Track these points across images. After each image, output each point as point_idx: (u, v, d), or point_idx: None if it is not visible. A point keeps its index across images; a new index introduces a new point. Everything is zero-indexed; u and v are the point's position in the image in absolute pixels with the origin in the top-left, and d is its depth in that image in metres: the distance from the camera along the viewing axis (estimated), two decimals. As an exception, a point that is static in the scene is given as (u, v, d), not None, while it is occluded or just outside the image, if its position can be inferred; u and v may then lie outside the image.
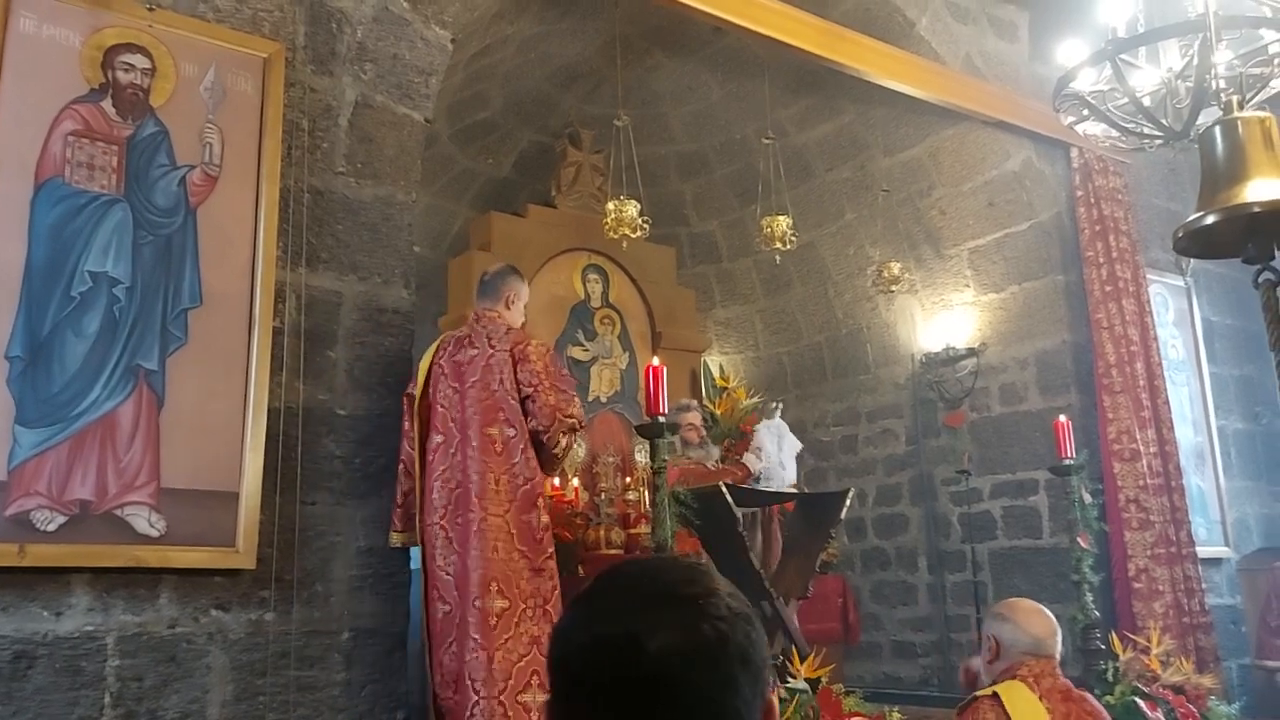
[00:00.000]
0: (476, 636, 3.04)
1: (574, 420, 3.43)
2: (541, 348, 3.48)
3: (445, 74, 3.76)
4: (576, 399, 3.54)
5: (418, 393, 3.39)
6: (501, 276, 3.66)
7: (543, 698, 3.01)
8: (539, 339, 3.60)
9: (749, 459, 5.56)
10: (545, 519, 3.29)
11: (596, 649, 0.85)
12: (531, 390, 3.32)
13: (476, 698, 2.99)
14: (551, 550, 3.30)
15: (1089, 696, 2.53)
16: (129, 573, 2.65)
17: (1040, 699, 2.39)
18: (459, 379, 3.32)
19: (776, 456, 5.52)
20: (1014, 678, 2.45)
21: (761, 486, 5.34)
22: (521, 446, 3.29)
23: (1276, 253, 1.78)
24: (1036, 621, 2.54)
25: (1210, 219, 1.78)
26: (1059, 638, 2.57)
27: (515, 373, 3.31)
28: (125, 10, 2.92)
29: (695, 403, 6.12)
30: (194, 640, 2.72)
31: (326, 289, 3.18)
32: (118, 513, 2.66)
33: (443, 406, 3.32)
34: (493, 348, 3.35)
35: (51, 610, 2.54)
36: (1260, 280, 1.79)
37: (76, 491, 2.62)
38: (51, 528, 2.56)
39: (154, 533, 2.70)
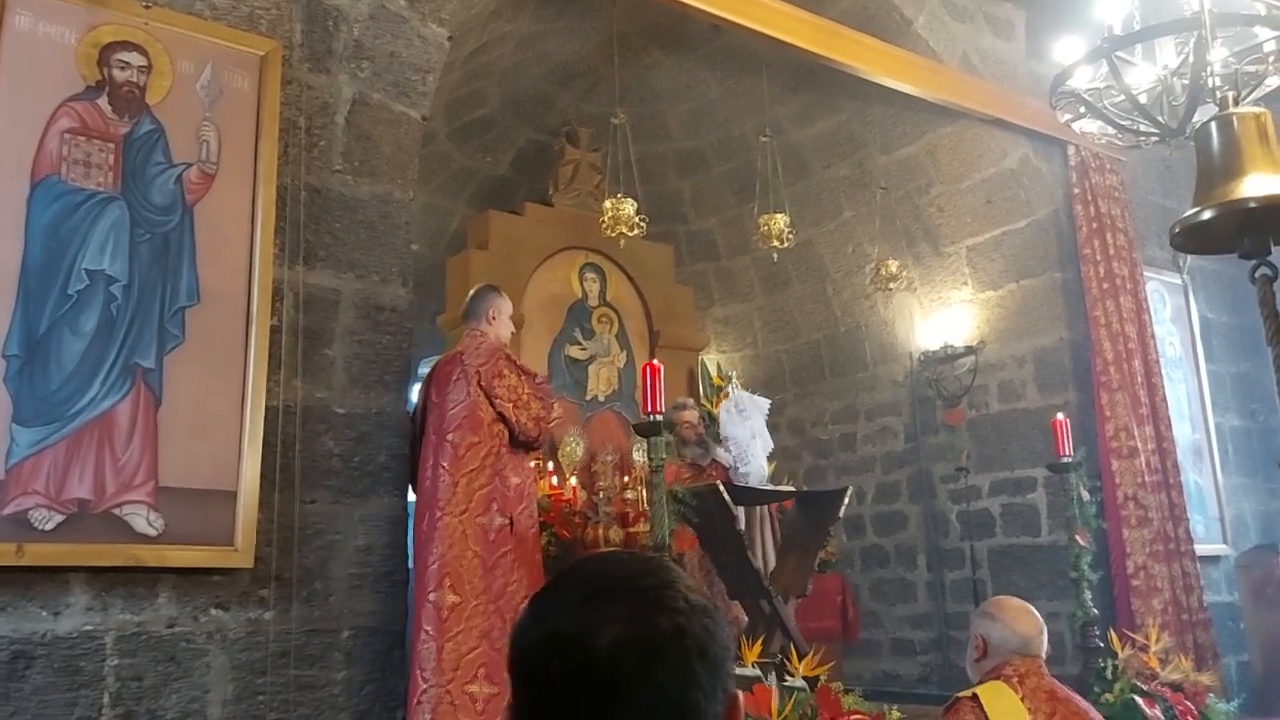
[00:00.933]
0: (428, 628, 3.22)
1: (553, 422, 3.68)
2: (508, 361, 3.74)
3: (442, 72, 3.76)
4: (554, 402, 3.73)
5: (416, 413, 3.68)
6: (480, 297, 3.97)
7: (489, 690, 3.14)
8: (502, 349, 3.82)
9: (721, 455, 5.53)
10: (500, 520, 3.50)
11: (549, 644, 0.85)
12: (514, 402, 3.60)
13: (425, 685, 3.15)
14: (506, 549, 3.49)
15: (1075, 696, 2.52)
16: (127, 572, 2.65)
17: (1023, 699, 2.37)
18: (440, 393, 3.61)
19: (745, 438, 5.43)
20: (999, 677, 2.44)
21: (740, 471, 5.30)
22: (483, 453, 3.54)
23: (1272, 248, 1.79)
24: (1024, 620, 2.53)
25: (1206, 214, 1.78)
26: (1045, 636, 2.56)
27: (485, 387, 3.58)
28: (121, 8, 2.92)
29: (692, 401, 6.12)
30: (193, 639, 2.72)
31: (324, 287, 3.17)
32: (116, 511, 2.66)
33: (431, 416, 3.59)
34: (465, 363, 3.64)
35: (50, 610, 2.54)
36: (1257, 275, 1.80)
37: (74, 490, 2.61)
38: (49, 527, 2.56)
39: (152, 531, 2.69)
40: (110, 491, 2.66)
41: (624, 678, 0.82)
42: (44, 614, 2.53)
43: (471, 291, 4.06)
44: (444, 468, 3.44)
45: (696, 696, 0.84)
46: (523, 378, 3.71)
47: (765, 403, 5.74)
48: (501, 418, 3.58)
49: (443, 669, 3.17)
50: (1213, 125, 1.86)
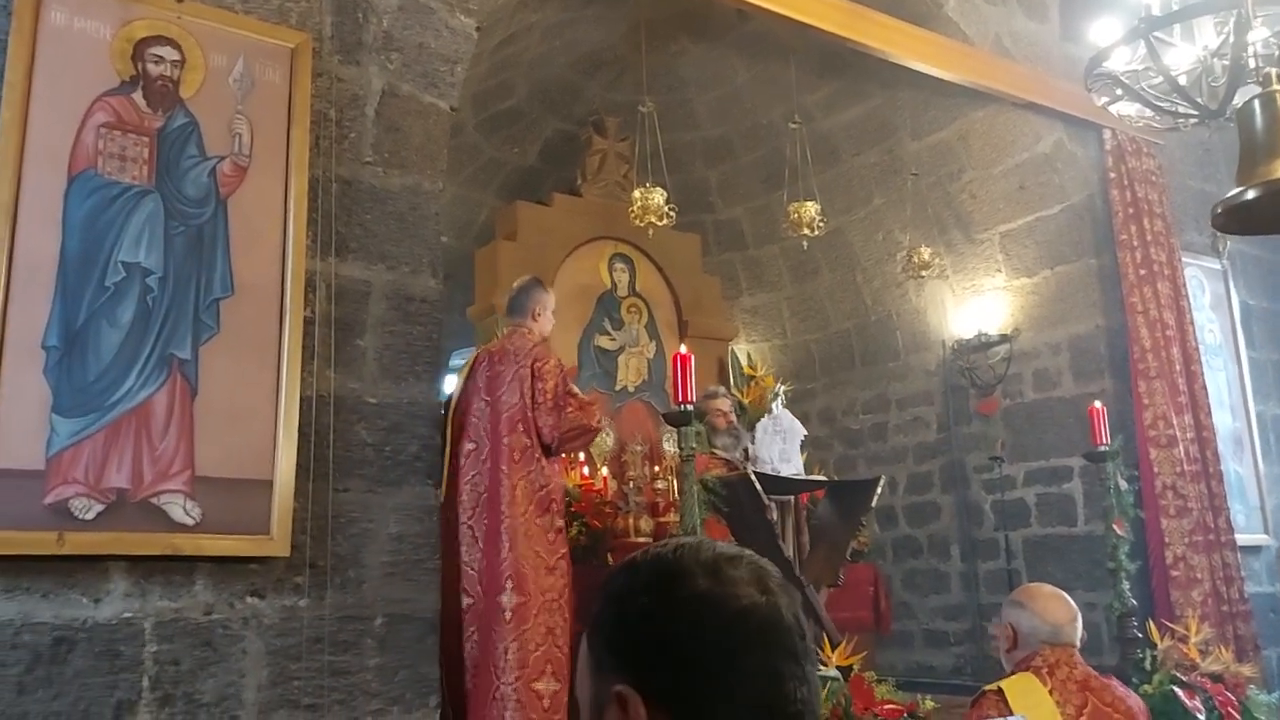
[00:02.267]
0: (497, 628, 3.35)
1: (585, 428, 3.74)
2: (556, 367, 3.78)
3: (470, 63, 3.76)
4: (595, 408, 3.84)
5: (452, 404, 3.77)
6: (526, 292, 4.01)
7: (554, 686, 3.18)
8: (555, 358, 3.87)
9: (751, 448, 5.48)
10: (559, 522, 3.62)
11: (763, 611, 0.88)
12: (540, 406, 3.65)
13: (498, 683, 3.29)
14: (564, 551, 3.61)
15: (1113, 684, 2.44)
16: (165, 560, 2.68)
17: (1052, 691, 2.30)
18: (491, 392, 3.69)
19: (775, 459, 5.33)
20: (1029, 668, 2.38)
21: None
22: (537, 455, 3.64)
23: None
24: (1055, 608, 2.45)
25: (1250, 194, 1.74)
26: (1079, 624, 2.48)
27: (533, 386, 3.66)
28: (154, 2, 2.94)
29: (723, 389, 6.10)
30: (229, 626, 2.75)
31: (355, 278, 3.19)
32: (154, 501, 2.69)
33: (475, 417, 3.70)
34: (518, 363, 3.71)
35: (90, 597, 2.58)
36: (1302, 255, 1.75)
37: (113, 480, 2.65)
38: (89, 516, 2.59)
39: (189, 520, 2.73)
40: (148, 481, 2.69)
41: (808, 647, 0.91)
42: (85, 601, 2.57)
43: (516, 285, 4.08)
44: (503, 470, 3.55)
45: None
46: (559, 387, 3.73)
47: (803, 431, 5.69)
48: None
49: (511, 667, 3.32)
50: (1256, 103, 1.81)
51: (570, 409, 3.71)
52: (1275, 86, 1.83)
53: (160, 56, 2.95)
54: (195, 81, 2.99)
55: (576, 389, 3.86)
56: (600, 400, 3.94)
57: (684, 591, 0.88)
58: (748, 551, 0.94)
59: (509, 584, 3.43)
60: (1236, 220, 1.85)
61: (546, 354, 3.79)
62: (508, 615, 3.39)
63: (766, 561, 0.94)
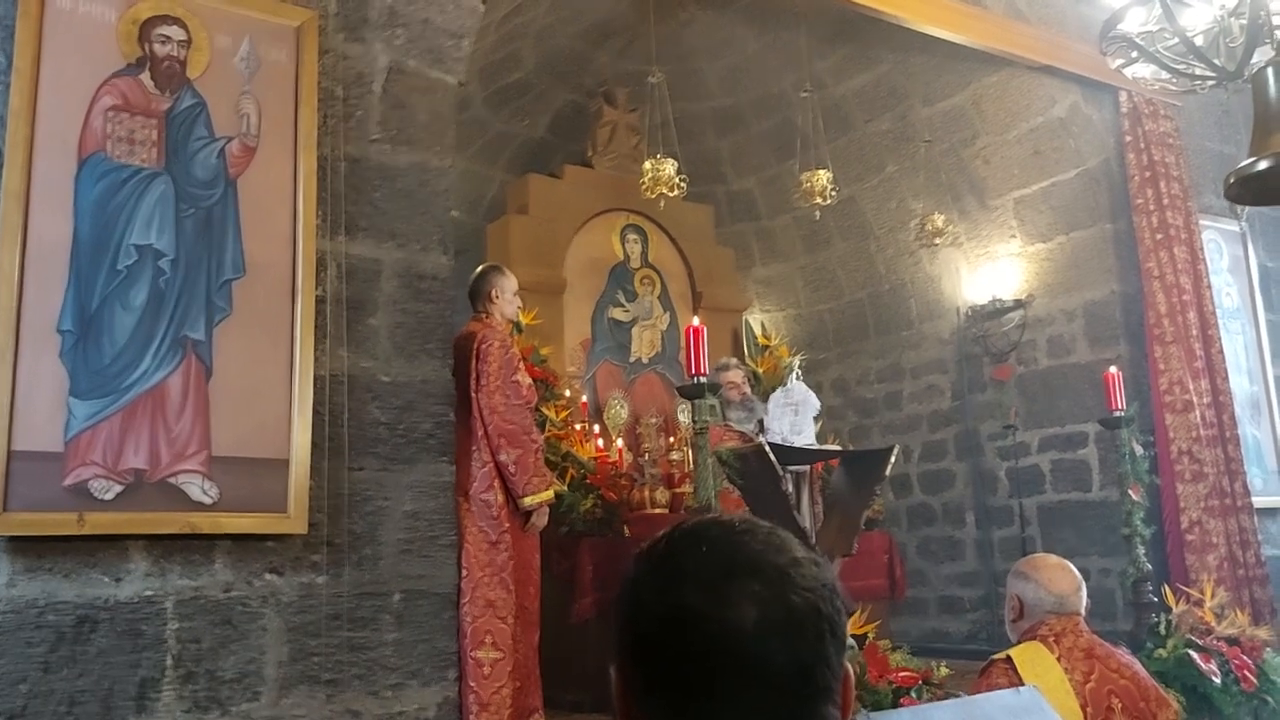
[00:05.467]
0: None
1: (514, 431, 3.74)
2: (501, 350, 3.81)
3: (477, 36, 3.74)
4: (529, 412, 3.86)
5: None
6: (482, 277, 4.14)
7: (496, 655, 3.28)
8: (502, 340, 3.88)
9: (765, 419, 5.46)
10: (501, 498, 3.70)
11: (682, 620, 0.82)
12: (482, 389, 3.72)
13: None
14: (508, 526, 3.69)
15: (1118, 651, 2.46)
16: (184, 539, 2.72)
17: (1059, 659, 2.32)
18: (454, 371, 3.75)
19: (785, 432, 5.32)
20: (1035, 637, 2.40)
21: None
22: (480, 434, 3.72)
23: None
24: (1060, 578, 2.47)
25: (1263, 164, 1.72)
26: (1084, 592, 2.50)
27: (476, 368, 3.74)
28: (158, -17, 2.93)
29: (735, 360, 6.10)
30: (249, 603, 2.79)
31: (366, 257, 3.20)
32: (171, 481, 2.72)
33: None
34: (468, 345, 3.79)
35: (111, 576, 2.62)
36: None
37: (130, 461, 2.68)
38: (109, 496, 2.63)
39: (207, 500, 2.76)
40: (165, 461, 2.72)
41: (759, 657, 0.81)
42: (106, 580, 2.61)
43: (473, 275, 4.19)
44: (458, 445, 3.56)
45: (827, 676, 0.84)
46: (501, 370, 3.76)
47: (818, 404, 5.63)
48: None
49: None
50: (1269, 71, 1.78)
51: (513, 397, 3.76)
52: (1290, 52, 1.79)
53: (167, 37, 2.94)
54: (201, 62, 2.99)
55: (523, 378, 3.86)
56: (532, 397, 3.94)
57: (670, 601, 0.84)
58: (772, 560, 0.85)
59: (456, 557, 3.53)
60: (1250, 191, 1.83)
61: (492, 336, 3.83)
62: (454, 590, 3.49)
63: (798, 569, 0.85)
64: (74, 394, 2.63)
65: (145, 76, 2.89)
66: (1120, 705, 2.28)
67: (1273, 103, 1.75)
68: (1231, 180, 1.78)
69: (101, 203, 2.75)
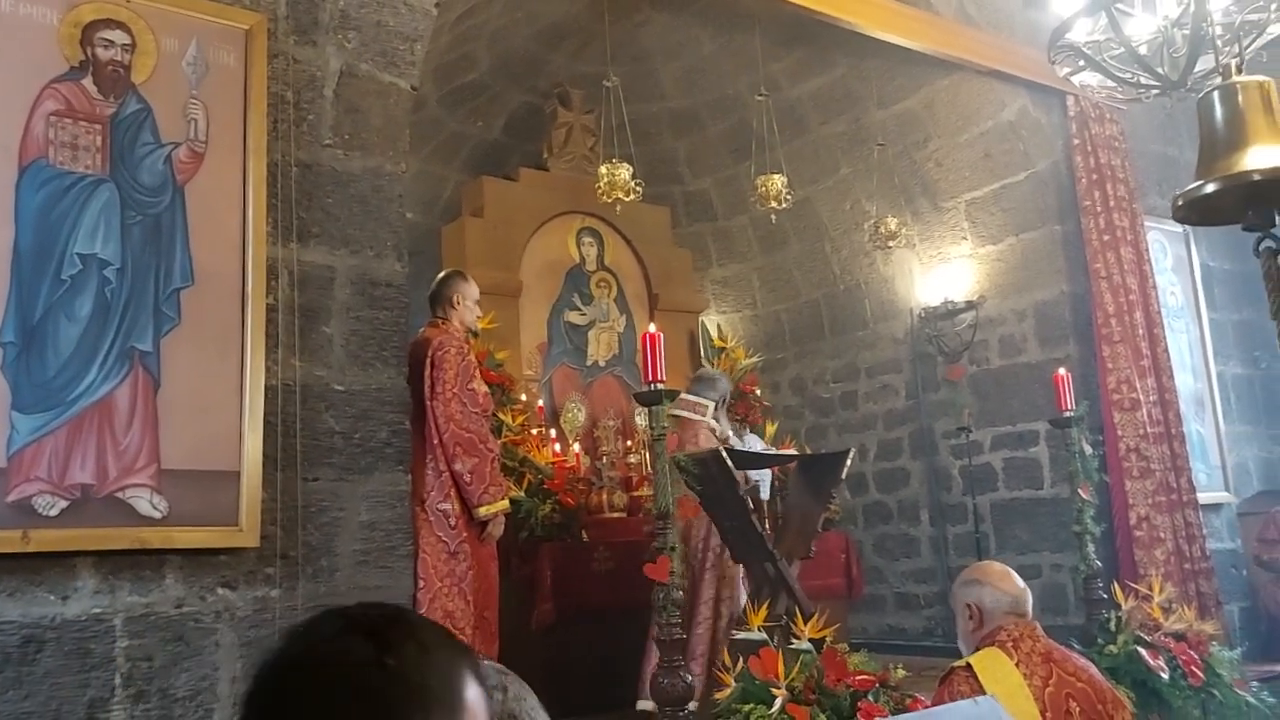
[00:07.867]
0: None
1: (471, 440, 3.73)
2: (457, 357, 3.79)
3: (431, 37, 3.70)
4: (485, 420, 3.86)
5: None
6: (445, 282, 4.10)
7: None
8: (459, 347, 3.87)
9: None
10: (458, 507, 3.69)
11: None
12: (438, 396, 3.71)
13: None
14: (466, 535, 3.68)
15: (1072, 655, 2.48)
16: (134, 554, 2.66)
17: (1018, 664, 2.34)
18: (409, 382, 3.71)
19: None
20: (994, 643, 2.41)
21: None
22: (436, 442, 3.70)
23: (1277, 220, 1.75)
24: (1009, 581, 2.52)
25: (1210, 187, 1.75)
26: (1030, 595, 2.55)
27: (432, 375, 3.73)
28: (101, -15, 2.86)
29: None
30: (201, 619, 2.74)
31: (318, 264, 3.15)
32: (119, 495, 2.66)
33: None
34: (425, 351, 3.76)
35: (58, 594, 2.55)
36: (1261, 249, 1.77)
37: (77, 476, 2.61)
38: (54, 512, 2.56)
39: (156, 514, 2.70)
40: (113, 476, 2.66)
41: None
42: (52, 598, 2.54)
43: (435, 280, 4.16)
44: (414, 455, 3.53)
45: None
46: (458, 377, 3.76)
47: (759, 442, 5.67)
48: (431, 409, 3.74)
49: None
50: (1215, 95, 1.82)
51: (469, 406, 3.74)
52: (1235, 79, 1.84)
53: (110, 41, 2.87)
54: (147, 66, 2.92)
55: (479, 385, 3.84)
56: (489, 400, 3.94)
57: None
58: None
59: (415, 568, 3.46)
60: (1197, 212, 1.87)
61: (449, 343, 3.81)
62: (411, 599, 3.45)
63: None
64: (16, 408, 2.56)
65: (88, 81, 2.82)
66: (1079, 709, 2.31)
67: (1219, 128, 1.79)
68: (1180, 202, 1.82)
69: (44, 211, 2.68)
